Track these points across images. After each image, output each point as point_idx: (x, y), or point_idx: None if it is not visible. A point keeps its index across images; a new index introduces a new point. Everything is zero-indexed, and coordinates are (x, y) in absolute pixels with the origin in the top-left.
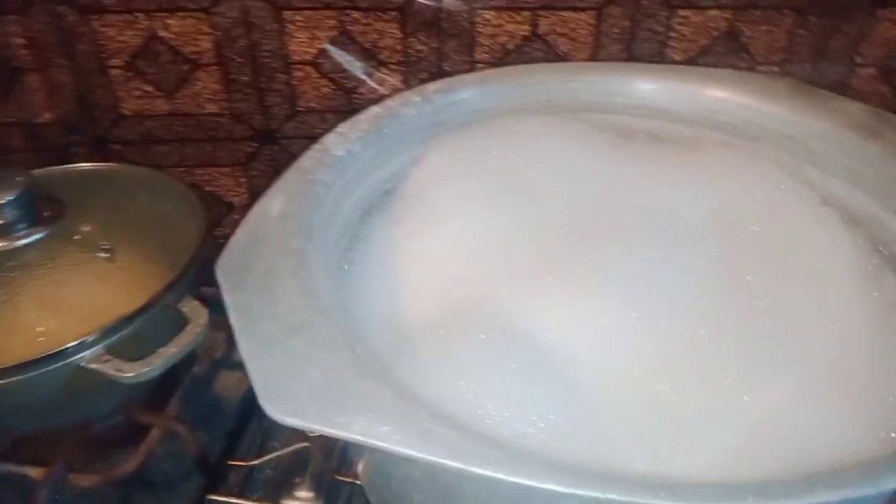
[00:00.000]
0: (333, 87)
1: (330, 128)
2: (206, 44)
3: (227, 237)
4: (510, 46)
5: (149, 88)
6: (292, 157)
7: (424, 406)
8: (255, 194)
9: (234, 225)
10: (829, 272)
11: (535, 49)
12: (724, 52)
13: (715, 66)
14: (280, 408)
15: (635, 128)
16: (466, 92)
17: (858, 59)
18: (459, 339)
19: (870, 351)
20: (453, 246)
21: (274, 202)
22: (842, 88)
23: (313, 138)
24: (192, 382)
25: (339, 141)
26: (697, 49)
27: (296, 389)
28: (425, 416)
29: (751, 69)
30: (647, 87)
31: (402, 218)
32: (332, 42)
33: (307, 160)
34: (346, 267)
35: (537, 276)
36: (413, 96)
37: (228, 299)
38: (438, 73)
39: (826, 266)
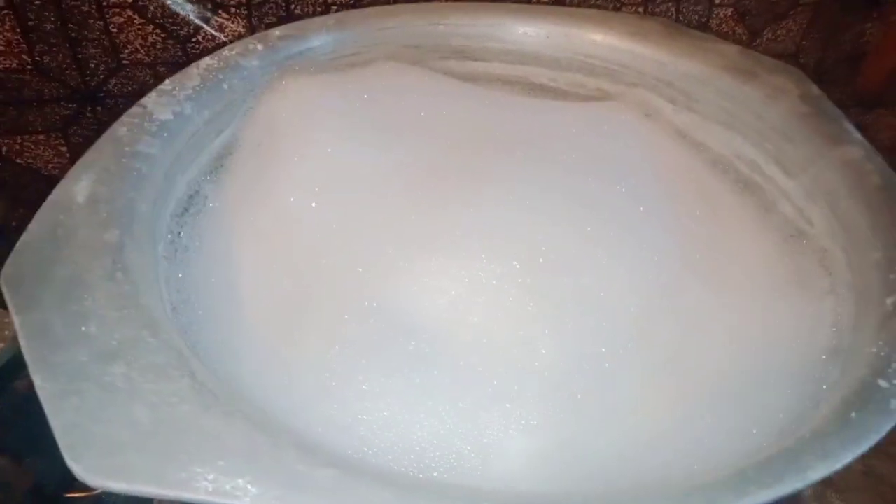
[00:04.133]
0: (163, 35)
1: None
2: None
3: None
4: None
5: None
6: None
7: (290, 440)
8: None
9: None
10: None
11: None
12: None
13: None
14: (95, 467)
15: (507, 76)
16: (318, 38)
17: (716, 0)
18: (331, 333)
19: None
20: (306, 210)
21: (79, 185)
22: (703, 30)
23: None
24: (12, 402)
25: (164, 101)
26: None
27: (117, 437)
28: (292, 454)
29: (618, 9)
30: (519, 30)
31: (244, 182)
32: None
33: (123, 128)
34: (178, 254)
35: (416, 233)
36: (254, 44)
37: (17, 320)
38: (288, 17)
39: (714, 217)
